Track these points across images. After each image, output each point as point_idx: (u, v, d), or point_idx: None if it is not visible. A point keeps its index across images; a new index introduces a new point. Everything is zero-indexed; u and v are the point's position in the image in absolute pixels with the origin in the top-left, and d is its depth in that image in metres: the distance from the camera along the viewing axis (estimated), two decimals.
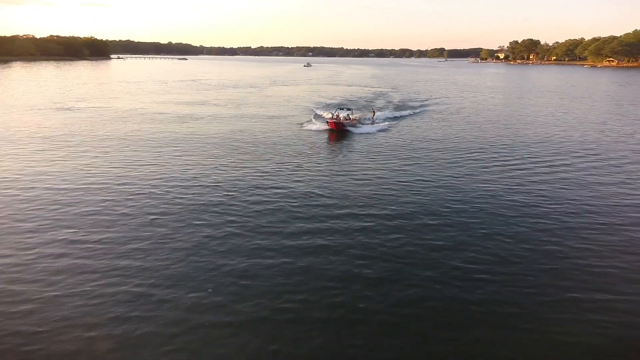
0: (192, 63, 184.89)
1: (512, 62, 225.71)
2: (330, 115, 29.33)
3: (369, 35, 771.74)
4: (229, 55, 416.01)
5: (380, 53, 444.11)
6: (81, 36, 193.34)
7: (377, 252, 10.46)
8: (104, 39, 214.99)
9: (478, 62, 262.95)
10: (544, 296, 8.83)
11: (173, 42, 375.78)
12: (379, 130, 28.21)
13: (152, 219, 12.25)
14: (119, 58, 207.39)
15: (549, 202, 14.21)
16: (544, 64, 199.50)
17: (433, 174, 17.42)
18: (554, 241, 11.32)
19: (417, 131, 28.42)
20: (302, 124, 29.65)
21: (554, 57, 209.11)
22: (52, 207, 13.05)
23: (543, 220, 12.68)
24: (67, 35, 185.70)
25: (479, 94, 57.44)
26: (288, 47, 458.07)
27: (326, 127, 27.04)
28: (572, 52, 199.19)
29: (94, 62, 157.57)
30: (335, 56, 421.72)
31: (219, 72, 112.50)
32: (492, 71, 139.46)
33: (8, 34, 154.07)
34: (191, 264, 9.76)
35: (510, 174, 17.58)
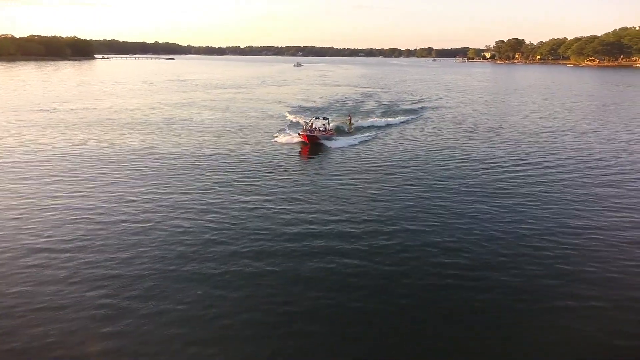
0: (180, 63, 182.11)
1: (498, 62, 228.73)
2: (304, 125, 25.87)
3: (359, 35, 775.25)
4: (218, 55, 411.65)
5: (370, 53, 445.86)
6: (64, 36, 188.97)
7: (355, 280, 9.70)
8: (87, 39, 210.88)
9: (465, 61, 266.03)
10: (547, 300, 8.75)
11: (160, 42, 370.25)
12: (360, 142, 24.72)
13: (123, 226, 11.87)
14: (103, 58, 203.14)
15: (542, 204, 14.24)
16: (528, 64, 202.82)
17: (417, 193, 15.34)
18: (547, 245, 11.29)
19: (402, 140, 25.60)
20: (274, 134, 26.05)
21: (539, 57, 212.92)
22: (23, 215, 12.55)
23: (537, 223, 12.67)
24: (49, 35, 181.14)
25: (466, 94, 57.75)
26: (278, 47, 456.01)
27: (299, 139, 23.53)
28: (555, 52, 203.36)
29: (76, 62, 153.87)
30: (325, 56, 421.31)
31: (207, 72, 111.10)
32: (479, 70, 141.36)
33: None
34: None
35: (508, 181, 17.03)
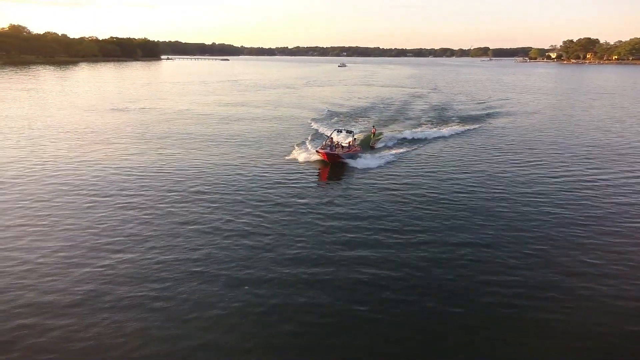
0: (233, 64, 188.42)
1: (565, 62, 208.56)
2: (328, 138, 20.76)
3: (407, 34, 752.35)
4: (267, 55, 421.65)
5: (419, 53, 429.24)
6: (136, 37, 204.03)
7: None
8: (155, 40, 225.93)
9: (527, 61, 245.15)
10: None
11: (216, 43, 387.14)
12: (394, 160, 20.22)
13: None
14: (168, 59, 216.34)
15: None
16: (603, 63, 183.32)
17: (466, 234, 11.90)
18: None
19: (448, 156, 21.11)
20: (293, 148, 21.98)
21: (616, 57, 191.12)
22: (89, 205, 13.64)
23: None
24: (125, 36, 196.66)
25: (528, 95, 52.58)
26: (323, 47, 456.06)
27: (318, 157, 19.31)
28: (638, 51, 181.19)
29: (145, 62, 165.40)
30: (370, 56, 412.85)
31: (257, 72, 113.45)
32: (542, 71, 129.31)
33: (56, 35, 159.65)
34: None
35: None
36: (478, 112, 37.85)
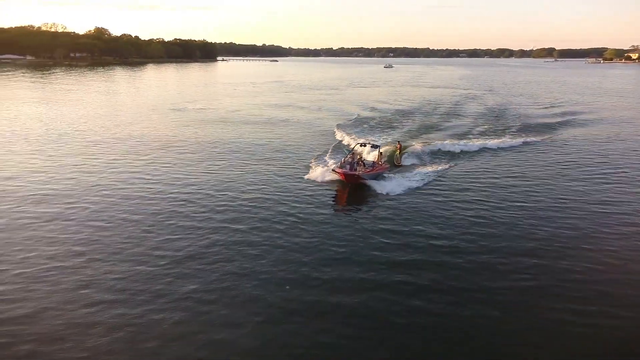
0: (281, 64, 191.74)
1: None
2: (349, 153, 17.37)
3: (460, 34, 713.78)
4: (313, 56, 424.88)
5: (473, 53, 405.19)
6: (196, 39, 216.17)
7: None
8: (212, 42, 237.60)
9: (600, 62, 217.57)
10: None
11: (266, 44, 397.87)
12: (429, 181, 16.33)
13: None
14: (223, 60, 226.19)
15: None
16: None
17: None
18: None
19: (499, 177, 17.02)
20: (311, 163, 19.03)
21: None
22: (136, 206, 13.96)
23: None
24: (186, 38, 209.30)
25: (604, 98, 46.32)
26: (368, 48, 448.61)
27: (335, 176, 16.01)
28: None
29: (203, 64, 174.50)
30: (419, 57, 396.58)
31: (303, 73, 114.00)
32: (619, 72, 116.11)
33: (130, 37, 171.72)
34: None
35: None
36: (541, 117, 32.27)
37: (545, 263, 10.51)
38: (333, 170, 16.09)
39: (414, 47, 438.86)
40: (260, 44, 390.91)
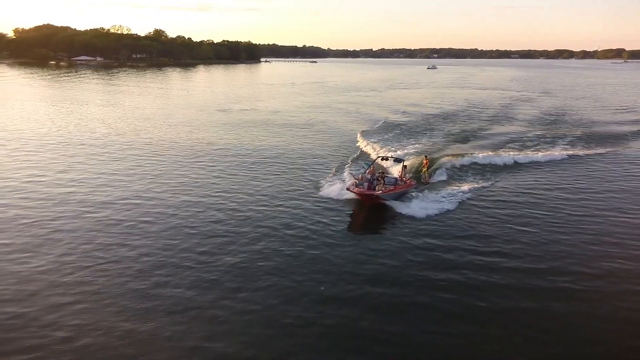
0: (320, 66, 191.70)
1: None
2: (368, 168, 15.18)
3: (512, 35, 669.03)
4: (352, 57, 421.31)
5: (527, 54, 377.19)
6: (242, 41, 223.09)
7: None
8: (257, 43, 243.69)
9: None
10: None
11: (307, 45, 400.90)
12: (461, 202, 13.77)
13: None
14: (266, 61, 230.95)
15: None
16: None
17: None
18: None
19: (553, 199, 14.34)
20: (327, 177, 16.84)
21: None
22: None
23: None
24: (233, 40, 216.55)
25: None
26: (410, 49, 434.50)
27: (351, 195, 13.77)
28: None
29: (248, 65, 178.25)
30: (466, 58, 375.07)
31: (342, 74, 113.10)
32: None
33: (184, 38, 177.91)
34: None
35: None
36: (606, 124, 27.84)
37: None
38: (348, 189, 13.68)
39: (461, 47, 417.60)
40: (301, 45, 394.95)
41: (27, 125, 29.41)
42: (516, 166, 18.73)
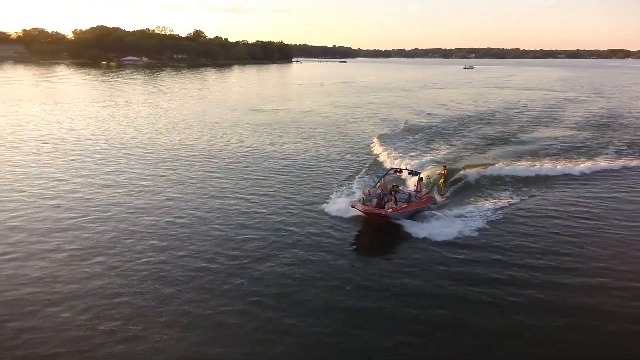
0: (350, 66, 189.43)
1: None
2: (378, 181, 13.63)
3: (557, 34, 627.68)
4: (383, 57, 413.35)
5: (575, 54, 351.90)
6: (274, 41, 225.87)
7: None
8: (289, 44, 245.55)
9: None
10: None
11: (336, 46, 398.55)
12: (480, 224, 11.59)
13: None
14: (297, 61, 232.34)
15: None
16: None
17: None
18: None
19: (596, 221, 12.15)
20: (335, 190, 15.12)
21: None
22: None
23: None
24: (266, 40, 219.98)
25: None
26: (445, 49, 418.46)
27: (356, 212, 12.08)
28: None
29: (280, 65, 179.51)
30: (507, 57, 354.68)
31: (373, 74, 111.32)
32: None
33: (221, 39, 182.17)
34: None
35: None
36: None
37: None
38: (353, 206, 11.83)
39: (500, 47, 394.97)
40: (331, 45, 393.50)
41: (75, 125, 30.21)
42: (555, 178, 16.03)
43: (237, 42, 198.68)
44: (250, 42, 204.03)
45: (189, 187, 16.14)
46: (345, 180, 16.65)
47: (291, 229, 12.15)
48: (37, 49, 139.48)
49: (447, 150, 21.28)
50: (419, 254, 10.60)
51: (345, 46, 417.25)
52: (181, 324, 8.20)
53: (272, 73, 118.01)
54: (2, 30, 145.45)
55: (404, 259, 10.42)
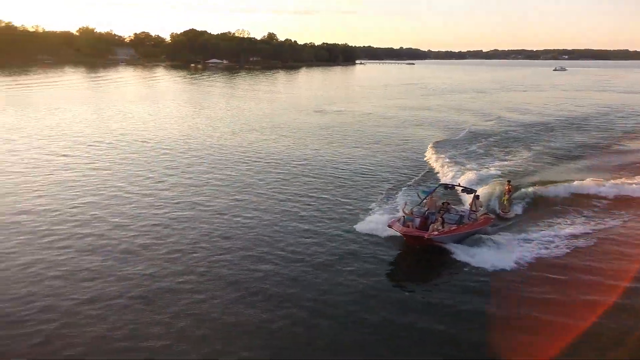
0: (418, 68, 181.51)
1: None
2: (425, 197, 11.95)
3: None
4: (456, 59, 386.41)
5: None
6: (339, 43, 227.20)
7: None
8: (353, 46, 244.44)
9: None
10: None
11: (404, 47, 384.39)
12: (539, 257, 9.30)
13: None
14: (361, 63, 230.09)
15: None
16: None
17: None
18: None
19: None
20: (374, 204, 13.63)
21: None
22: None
23: None
24: (331, 43, 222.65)
25: None
26: (531, 50, 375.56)
27: (393, 231, 10.55)
28: None
29: (343, 67, 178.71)
30: (609, 59, 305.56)
31: (443, 76, 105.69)
32: None
33: (290, 41, 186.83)
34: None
35: None
36: None
37: None
38: (390, 225, 10.28)
39: (602, 48, 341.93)
40: (398, 47, 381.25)
41: (164, 124, 31.34)
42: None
43: (305, 45, 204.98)
44: (316, 44, 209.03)
45: (249, 189, 15.91)
46: (389, 192, 14.96)
47: (323, 244, 10.83)
48: (143, 51, 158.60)
49: (516, 162, 18.58)
50: (464, 284, 8.71)
51: (413, 48, 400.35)
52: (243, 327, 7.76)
53: (336, 75, 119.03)
54: (118, 34, 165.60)
55: (445, 292, 8.61)
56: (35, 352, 7.13)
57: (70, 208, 13.67)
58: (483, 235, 10.64)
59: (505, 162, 18.65)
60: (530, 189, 13.84)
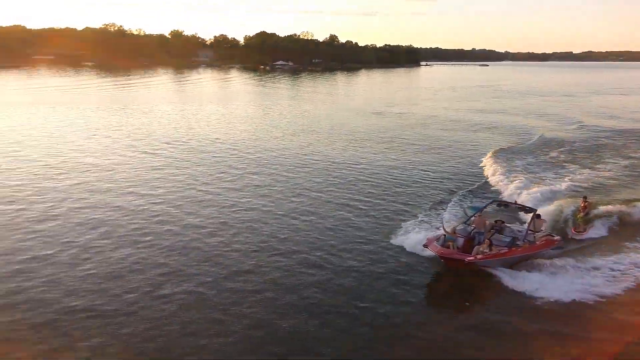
0: (492, 69, 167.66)
1: None
2: (474, 214, 10.48)
3: None
4: (540, 60, 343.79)
5: None
6: (402, 44, 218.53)
7: None
8: (417, 47, 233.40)
9: None
10: None
11: (476, 49, 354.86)
12: (613, 293, 7.20)
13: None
14: (426, 65, 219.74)
15: None
16: None
17: None
18: None
19: None
20: (420, 216, 12.41)
21: None
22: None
23: None
24: (394, 44, 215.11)
25: None
26: (637, 52, 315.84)
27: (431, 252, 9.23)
28: None
29: (407, 68, 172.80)
30: None
31: (521, 78, 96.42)
32: None
33: (351, 43, 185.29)
34: None
35: None
36: None
37: None
38: (426, 245, 9.07)
39: None
40: (469, 48, 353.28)
41: (230, 126, 31.27)
42: None
43: (366, 46, 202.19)
44: (378, 45, 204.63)
45: (306, 192, 15.63)
46: (436, 205, 13.54)
47: (356, 258, 10.08)
48: (221, 54, 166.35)
49: (593, 176, 16.13)
50: (518, 316, 7.10)
51: (487, 49, 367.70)
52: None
53: (397, 76, 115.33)
54: (201, 37, 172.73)
55: (495, 319, 7.08)
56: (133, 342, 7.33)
57: (151, 205, 13.96)
58: (544, 259, 9.02)
59: (580, 176, 16.30)
60: (612, 207, 11.87)
